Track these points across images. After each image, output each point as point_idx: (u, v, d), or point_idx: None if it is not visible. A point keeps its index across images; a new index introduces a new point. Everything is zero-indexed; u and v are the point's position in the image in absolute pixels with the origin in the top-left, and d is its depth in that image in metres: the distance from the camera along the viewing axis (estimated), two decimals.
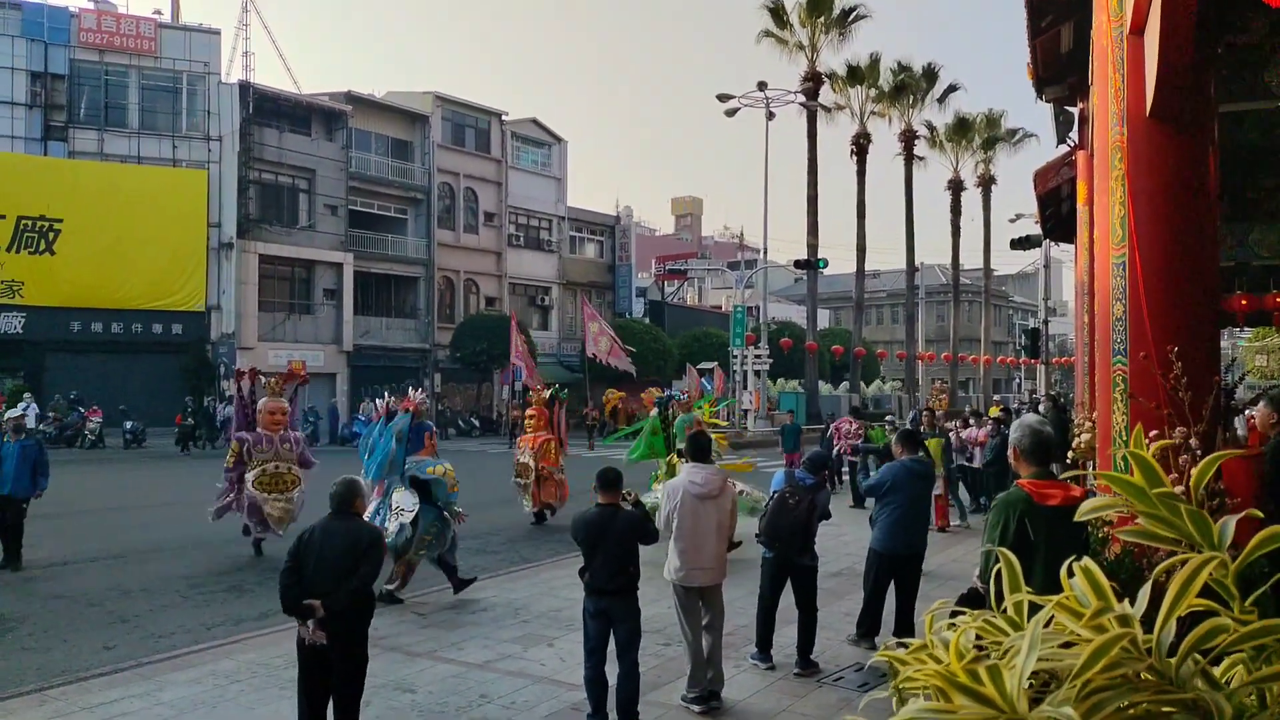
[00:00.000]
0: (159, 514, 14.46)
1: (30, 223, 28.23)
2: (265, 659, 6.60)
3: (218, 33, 32.17)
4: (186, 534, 12.13)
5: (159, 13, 33.02)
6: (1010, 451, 4.12)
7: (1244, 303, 10.68)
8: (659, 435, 11.35)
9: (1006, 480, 10.87)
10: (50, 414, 25.87)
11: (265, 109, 32.44)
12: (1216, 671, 1.58)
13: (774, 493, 6.80)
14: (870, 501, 9.23)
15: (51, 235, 28.53)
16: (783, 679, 6.39)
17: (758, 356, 31.47)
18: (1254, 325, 16.88)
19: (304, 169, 33.28)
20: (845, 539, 11.39)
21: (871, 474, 11.15)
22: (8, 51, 28.77)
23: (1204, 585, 1.63)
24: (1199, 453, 3.76)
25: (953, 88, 43.02)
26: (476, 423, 35.56)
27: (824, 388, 41.41)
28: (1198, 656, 1.58)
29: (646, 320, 44.68)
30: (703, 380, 15.16)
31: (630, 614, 5.40)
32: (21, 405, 24.87)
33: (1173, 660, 1.56)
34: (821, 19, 35.85)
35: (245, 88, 31.70)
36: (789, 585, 6.66)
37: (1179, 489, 2.69)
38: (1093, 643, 1.53)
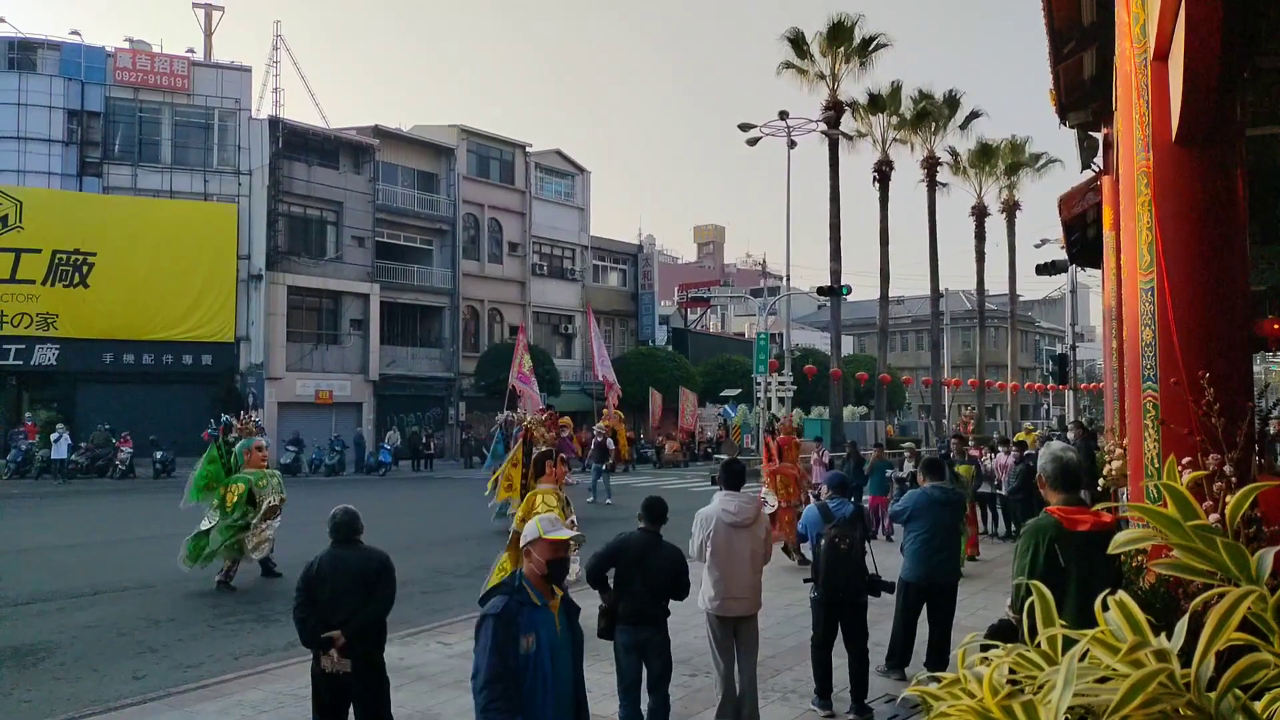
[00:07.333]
0: None
1: (65, 256, 28.79)
2: (293, 689, 6.61)
3: (249, 70, 32.83)
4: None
5: (192, 51, 33.77)
6: (1037, 479, 4.09)
7: (1276, 327, 10.52)
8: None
9: (1033, 507, 10.71)
10: (83, 444, 26.26)
11: (294, 143, 33.00)
12: (1257, 707, 1.55)
13: (816, 536, 6.44)
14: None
15: (85, 269, 29.07)
16: (810, 711, 6.31)
17: (781, 383, 31.26)
18: None
19: (332, 202, 33.77)
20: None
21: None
22: (45, 90, 29.48)
23: (1243, 619, 1.60)
24: (1234, 480, 3.69)
25: (975, 114, 42.90)
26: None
27: (848, 412, 41.13)
28: (1238, 692, 1.55)
29: (670, 348, 44.69)
30: (725, 407, 14.86)
31: (664, 645, 5.36)
32: (54, 436, 25.38)
33: (1212, 695, 1.53)
34: (842, 49, 35.93)
35: (275, 123, 32.30)
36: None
37: (1213, 517, 2.64)
38: (1130, 678, 1.50)
